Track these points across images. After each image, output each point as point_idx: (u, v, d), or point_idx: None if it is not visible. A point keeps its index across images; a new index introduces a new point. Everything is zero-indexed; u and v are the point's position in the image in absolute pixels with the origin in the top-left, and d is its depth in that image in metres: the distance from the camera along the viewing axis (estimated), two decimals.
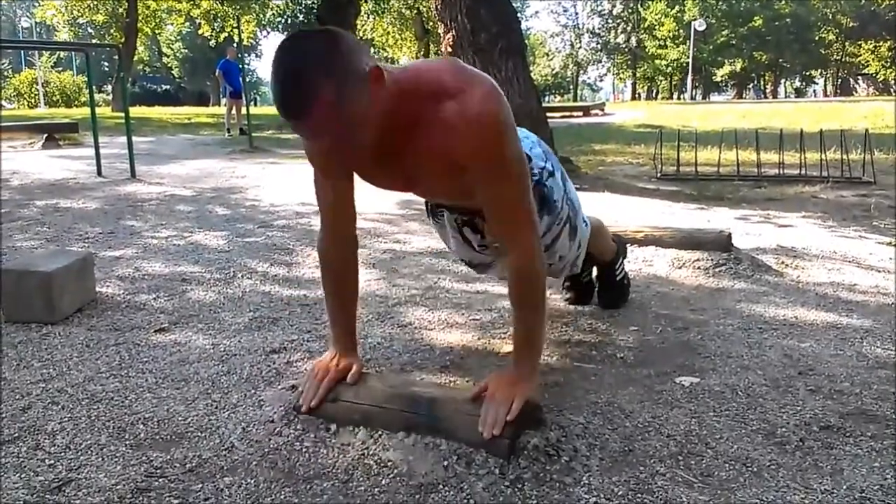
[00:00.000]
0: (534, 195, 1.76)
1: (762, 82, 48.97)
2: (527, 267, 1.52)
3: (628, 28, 46.59)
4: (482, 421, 1.42)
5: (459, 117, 1.37)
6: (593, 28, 49.43)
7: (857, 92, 42.61)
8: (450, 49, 5.77)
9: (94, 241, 3.65)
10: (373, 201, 4.80)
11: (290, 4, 16.93)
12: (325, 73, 1.22)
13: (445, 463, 1.40)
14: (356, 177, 1.65)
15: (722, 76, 46.96)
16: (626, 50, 47.27)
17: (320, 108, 1.23)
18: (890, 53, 36.80)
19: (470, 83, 1.41)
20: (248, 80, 11.60)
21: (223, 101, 14.39)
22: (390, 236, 3.78)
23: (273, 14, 18.85)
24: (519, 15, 7.42)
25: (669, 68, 46.14)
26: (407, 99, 1.39)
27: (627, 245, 2.80)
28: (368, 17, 24.67)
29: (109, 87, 30.27)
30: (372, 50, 32.54)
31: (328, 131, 1.29)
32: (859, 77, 44.03)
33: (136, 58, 27.19)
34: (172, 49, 49.83)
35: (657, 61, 45.62)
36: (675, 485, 1.35)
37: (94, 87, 7.19)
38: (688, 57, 39.26)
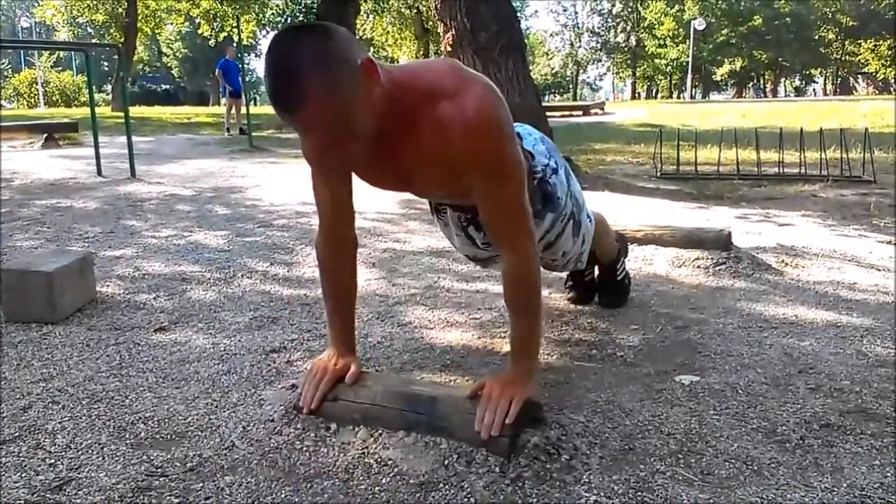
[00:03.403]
0: (537, 192, 1.76)
1: (762, 81, 48.96)
2: (522, 271, 1.52)
3: (628, 27, 46.58)
4: (478, 420, 1.42)
5: (457, 117, 1.37)
6: (593, 27, 49.42)
7: (856, 91, 42.62)
8: (449, 48, 5.77)
9: (94, 241, 3.65)
10: (373, 200, 4.80)
11: (290, 4, 16.92)
12: (315, 65, 1.22)
13: (446, 462, 1.40)
14: (355, 177, 1.64)
15: (722, 75, 46.94)
16: (626, 49, 47.26)
17: (312, 100, 1.23)
18: (890, 52, 36.78)
19: (468, 84, 1.41)
20: (247, 79, 11.59)
21: (223, 100, 14.39)
22: (390, 235, 3.79)
23: (272, 13, 18.84)
24: (518, 14, 7.40)
25: (669, 67, 46.11)
26: (404, 98, 1.39)
27: (628, 244, 2.80)
28: (368, 17, 24.65)
29: (109, 87, 30.30)
30: (371, 49, 32.54)
31: (321, 124, 1.28)
32: (859, 76, 44.04)
33: (135, 57, 27.17)
34: (172, 49, 49.80)
35: (657, 60, 45.59)
36: (675, 483, 1.35)
37: (93, 87, 7.19)
38: (687, 56, 39.24)
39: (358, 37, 22.43)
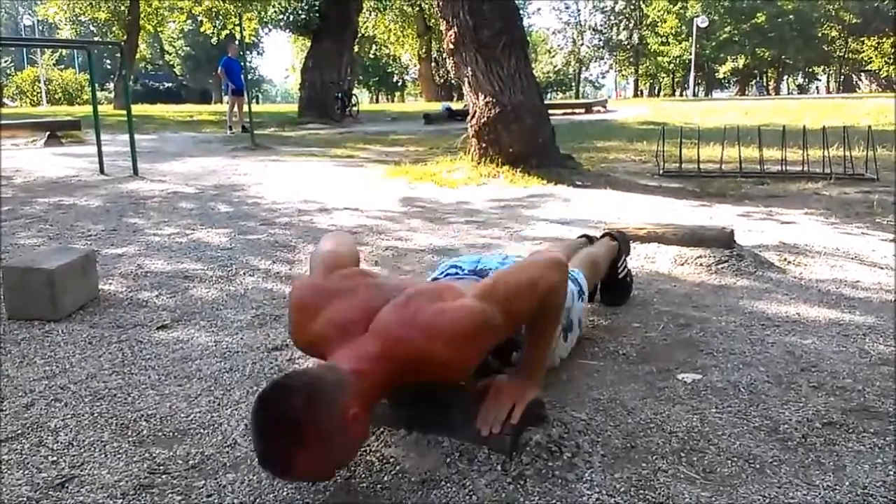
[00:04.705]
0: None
1: (765, 79, 48.83)
2: (547, 284, 1.47)
3: (630, 25, 46.47)
4: (482, 418, 1.43)
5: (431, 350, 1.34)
6: (595, 25, 49.31)
7: (860, 88, 42.48)
8: (451, 46, 5.77)
9: (97, 239, 3.65)
10: (375, 198, 4.81)
11: (293, 1, 16.87)
12: (301, 440, 1.18)
13: (448, 460, 1.40)
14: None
15: (724, 73, 46.81)
16: (629, 47, 47.15)
17: (300, 471, 1.23)
18: (893, 50, 36.65)
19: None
20: (249, 77, 11.59)
21: (225, 98, 14.39)
22: (392, 233, 3.78)
23: (275, 11, 18.78)
24: (521, 11, 7.39)
25: (672, 65, 46.01)
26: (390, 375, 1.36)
27: (630, 242, 2.79)
28: (370, 14, 24.61)
29: (112, 85, 30.27)
30: (374, 47, 32.52)
31: (312, 478, 1.32)
32: (862, 73, 43.87)
33: (138, 55, 27.11)
34: (174, 46, 49.81)
35: (659, 58, 45.49)
36: (677, 481, 1.35)
37: (96, 85, 7.18)
38: (690, 53, 39.14)
39: (360, 34, 22.40)
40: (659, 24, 43.77)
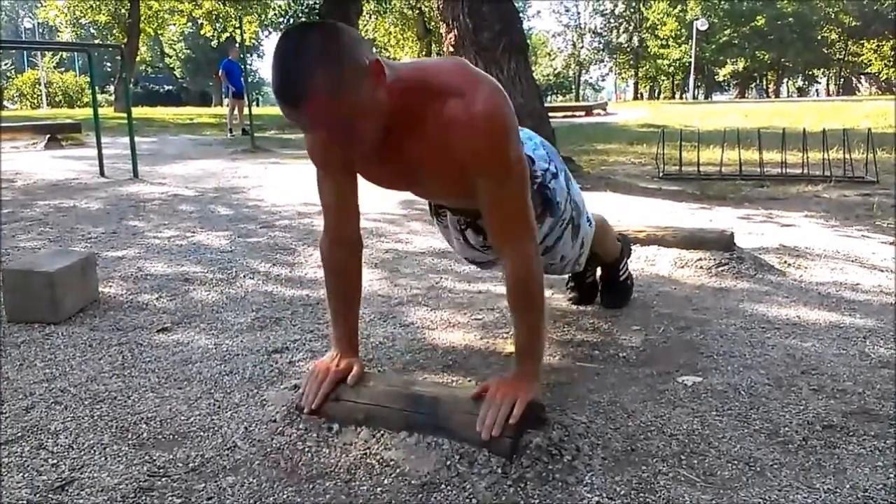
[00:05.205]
0: (537, 197, 1.75)
1: (765, 81, 48.91)
2: (524, 272, 1.52)
3: (630, 27, 46.57)
4: (480, 421, 1.42)
5: (463, 116, 1.37)
6: (595, 27, 49.41)
7: (859, 91, 42.53)
8: (451, 49, 5.77)
9: (97, 242, 3.65)
10: (375, 201, 4.80)
11: (292, 4, 16.93)
12: (322, 62, 1.22)
13: (448, 462, 1.40)
14: (360, 177, 1.64)
15: (724, 75, 46.90)
16: (629, 49, 47.24)
17: (317, 96, 1.23)
18: (893, 52, 36.71)
19: (475, 83, 1.41)
20: (250, 80, 11.60)
21: (225, 101, 14.40)
22: (392, 236, 3.79)
23: (275, 14, 18.84)
24: (521, 14, 7.40)
25: (672, 68, 46.10)
26: (410, 96, 1.39)
27: (631, 244, 2.80)
28: (370, 17, 24.64)
29: (112, 88, 30.32)
30: (374, 50, 32.57)
31: (326, 121, 1.29)
32: (862, 76, 43.94)
33: (138, 58, 27.19)
34: (175, 49, 49.86)
35: (659, 61, 45.58)
36: (677, 484, 1.35)
37: (96, 88, 7.19)
38: (690, 56, 39.20)
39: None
40: (659, 26, 43.86)
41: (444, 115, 1.38)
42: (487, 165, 1.43)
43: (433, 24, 24.63)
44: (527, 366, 1.54)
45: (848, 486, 1.34)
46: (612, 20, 47.89)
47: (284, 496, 1.33)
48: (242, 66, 11.34)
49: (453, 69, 1.45)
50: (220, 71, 12.36)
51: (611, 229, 2.37)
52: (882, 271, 2.93)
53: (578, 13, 50.88)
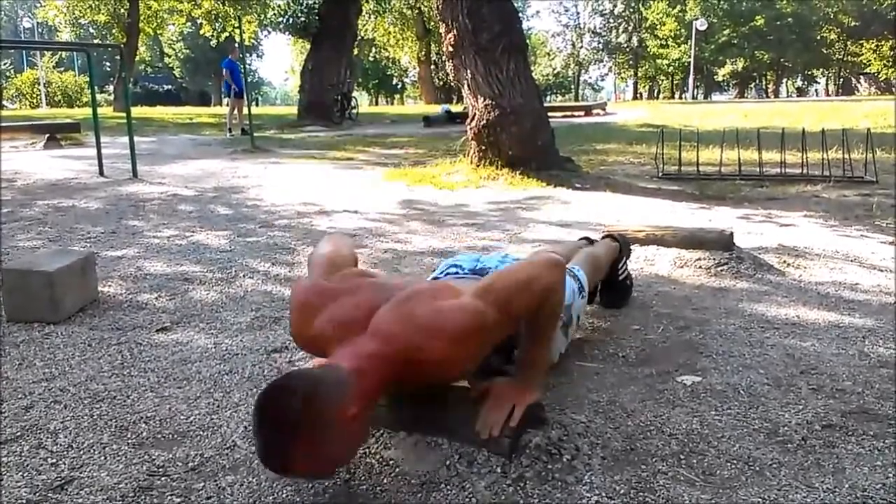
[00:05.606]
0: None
1: (764, 82, 48.89)
2: (555, 281, 1.48)
3: (630, 27, 46.56)
4: (481, 421, 1.43)
5: (438, 347, 1.35)
6: (595, 27, 49.38)
7: (858, 91, 42.51)
8: (451, 49, 5.77)
9: (96, 241, 3.65)
10: (374, 201, 4.81)
11: (292, 4, 16.88)
12: (299, 440, 1.19)
13: (447, 462, 1.40)
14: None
15: (723, 75, 46.87)
16: (628, 49, 47.23)
17: (297, 467, 1.23)
18: (892, 52, 36.72)
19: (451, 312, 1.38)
20: (249, 80, 11.60)
21: (225, 99, 14.39)
22: (392, 236, 3.78)
23: (274, 14, 18.80)
24: (520, 14, 7.40)
25: (671, 68, 46.08)
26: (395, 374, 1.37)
27: (630, 244, 2.79)
28: (370, 17, 24.62)
29: (111, 87, 30.30)
30: (373, 49, 32.53)
31: (311, 477, 1.34)
32: (861, 76, 43.93)
33: (137, 58, 27.14)
34: (174, 49, 49.81)
35: (659, 61, 45.55)
36: (676, 483, 1.35)
37: (95, 87, 7.19)
38: (689, 56, 39.18)
39: (359, 37, 22.41)
40: (658, 26, 43.83)
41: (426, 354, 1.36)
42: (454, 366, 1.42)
43: (432, 24, 24.64)
44: (532, 373, 1.55)
45: (847, 486, 1.34)
46: (611, 20, 47.88)
47: (284, 496, 1.34)
48: (241, 67, 11.33)
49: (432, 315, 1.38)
50: (225, 70, 12.35)
51: (598, 260, 2.32)
52: (881, 271, 2.93)
53: (578, 13, 50.88)
